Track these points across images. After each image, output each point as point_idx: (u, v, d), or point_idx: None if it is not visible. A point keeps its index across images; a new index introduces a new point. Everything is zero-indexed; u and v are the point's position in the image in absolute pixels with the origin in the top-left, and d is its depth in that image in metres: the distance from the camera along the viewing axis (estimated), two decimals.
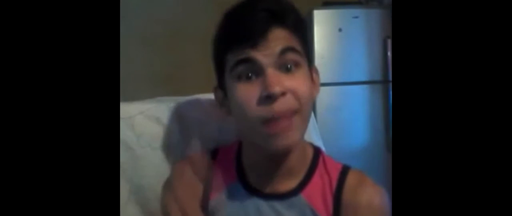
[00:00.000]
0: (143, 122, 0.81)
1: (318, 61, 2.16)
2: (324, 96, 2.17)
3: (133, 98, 0.87)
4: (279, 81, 0.59)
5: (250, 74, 0.61)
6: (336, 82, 2.23)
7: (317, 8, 2.24)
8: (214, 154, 0.75)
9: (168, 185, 0.75)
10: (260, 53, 0.60)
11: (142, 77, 2.47)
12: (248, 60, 0.61)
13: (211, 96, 0.86)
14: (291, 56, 0.62)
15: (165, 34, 2.55)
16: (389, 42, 2.24)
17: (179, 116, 0.83)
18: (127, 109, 0.82)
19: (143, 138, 0.81)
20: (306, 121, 0.64)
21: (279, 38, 0.61)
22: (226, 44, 0.64)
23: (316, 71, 0.70)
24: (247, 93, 0.61)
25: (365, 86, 2.28)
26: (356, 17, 2.26)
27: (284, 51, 0.61)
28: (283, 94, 0.60)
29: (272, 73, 0.60)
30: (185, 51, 2.46)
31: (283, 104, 0.60)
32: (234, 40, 0.62)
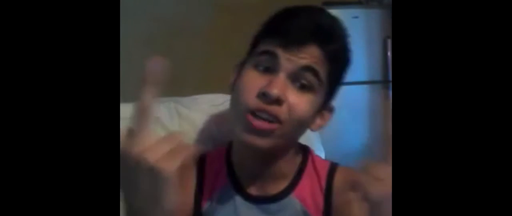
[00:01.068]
0: None
1: None
2: None
3: (133, 98, 0.87)
4: (282, 89, 0.59)
5: (267, 67, 0.61)
6: None
7: None
8: (202, 159, 0.73)
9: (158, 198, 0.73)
10: (286, 57, 0.60)
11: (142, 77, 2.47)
12: (271, 54, 0.60)
13: (210, 96, 0.86)
14: (310, 77, 0.60)
15: (165, 34, 2.55)
16: (389, 42, 2.24)
17: (178, 117, 0.83)
18: (127, 110, 0.81)
19: None
20: (286, 140, 0.63)
21: (310, 55, 0.60)
22: (266, 34, 0.63)
23: (330, 110, 0.68)
24: (252, 80, 0.60)
25: (365, 86, 2.28)
26: (356, 17, 2.26)
27: (307, 68, 0.60)
28: (280, 102, 0.59)
29: (282, 78, 0.59)
30: (185, 51, 2.46)
31: (274, 110, 0.59)
32: (273, 35, 0.62)
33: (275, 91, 0.58)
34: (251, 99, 0.59)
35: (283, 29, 0.61)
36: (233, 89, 0.65)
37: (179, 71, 2.52)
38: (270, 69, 0.60)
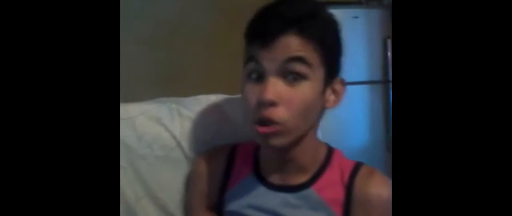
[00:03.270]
0: (144, 123, 0.82)
1: None
2: None
3: (133, 98, 0.87)
4: (275, 91, 0.61)
5: (256, 76, 0.63)
6: None
7: None
8: (234, 149, 0.78)
9: (188, 182, 0.81)
10: (266, 57, 0.62)
11: (142, 77, 2.47)
12: (254, 59, 0.63)
13: (211, 97, 0.87)
14: (297, 66, 0.61)
15: (165, 35, 2.54)
16: (389, 42, 2.24)
17: (180, 117, 0.83)
18: (128, 110, 0.82)
19: (144, 139, 0.81)
20: (299, 128, 0.65)
21: (288, 46, 0.61)
22: (247, 37, 0.66)
23: (341, 82, 0.71)
24: (250, 94, 0.64)
25: (365, 86, 2.28)
26: (356, 17, 2.26)
27: (290, 60, 0.61)
28: (274, 104, 0.61)
29: (271, 81, 0.61)
30: (185, 51, 2.46)
31: (270, 113, 0.61)
32: (249, 36, 0.65)
33: (267, 97, 0.60)
34: (252, 110, 0.63)
35: (255, 29, 0.63)
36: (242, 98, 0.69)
37: (179, 71, 2.52)
38: (260, 76, 0.63)
